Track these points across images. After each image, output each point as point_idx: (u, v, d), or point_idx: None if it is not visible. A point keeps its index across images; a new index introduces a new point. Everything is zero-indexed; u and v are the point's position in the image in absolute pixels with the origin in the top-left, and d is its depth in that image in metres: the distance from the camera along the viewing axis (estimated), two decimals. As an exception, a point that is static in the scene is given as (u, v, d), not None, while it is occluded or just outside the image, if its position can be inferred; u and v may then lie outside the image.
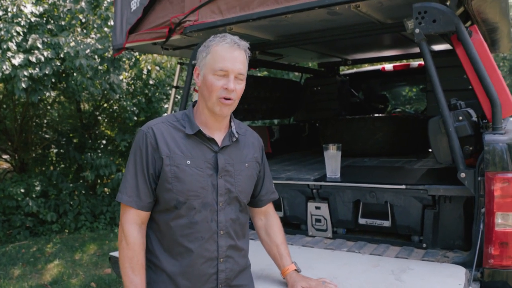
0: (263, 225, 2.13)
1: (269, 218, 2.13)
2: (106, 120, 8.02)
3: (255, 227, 2.16)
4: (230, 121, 1.87)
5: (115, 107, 7.69)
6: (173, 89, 4.46)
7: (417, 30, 2.29)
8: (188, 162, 1.73)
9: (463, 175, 2.23)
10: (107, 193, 7.34)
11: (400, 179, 2.71)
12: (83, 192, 7.17)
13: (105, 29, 6.03)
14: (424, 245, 2.53)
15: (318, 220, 2.88)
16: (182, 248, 1.74)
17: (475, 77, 2.26)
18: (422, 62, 5.06)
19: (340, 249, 2.62)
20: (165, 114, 1.89)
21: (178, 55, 3.98)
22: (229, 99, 1.72)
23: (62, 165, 7.70)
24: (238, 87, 1.73)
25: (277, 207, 3.05)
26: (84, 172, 6.97)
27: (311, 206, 2.89)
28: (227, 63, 1.69)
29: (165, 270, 1.74)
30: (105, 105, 7.78)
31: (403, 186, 2.55)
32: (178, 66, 4.36)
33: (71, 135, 7.64)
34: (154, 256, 1.77)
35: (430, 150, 4.10)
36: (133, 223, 1.74)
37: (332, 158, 2.89)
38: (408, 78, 5.62)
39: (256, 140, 1.99)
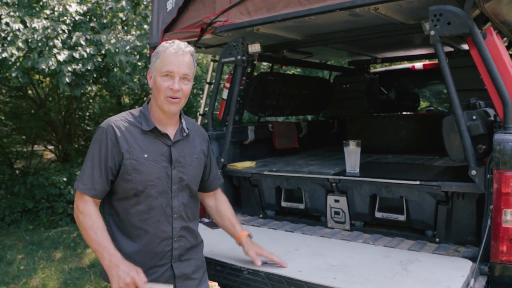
0: (214, 204, 2.39)
1: (218, 198, 2.41)
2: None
3: (208, 208, 2.41)
4: (180, 118, 2.08)
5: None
6: (207, 85, 4.67)
7: (432, 32, 2.38)
8: (146, 155, 1.94)
9: (473, 172, 2.31)
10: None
11: (416, 175, 2.81)
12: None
13: (145, 26, 6.29)
14: (437, 239, 2.62)
15: (337, 213, 3.01)
16: (140, 231, 1.96)
17: (488, 78, 2.33)
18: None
19: (355, 241, 2.74)
20: (125, 111, 2.11)
21: (211, 53, 4.16)
22: (175, 98, 1.93)
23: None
24: (184, 87, 1.95)
25: (299, 199, 3.22)
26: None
27: (330, 199, 3.02)
28: (172, 66, 1.92)
29: (123, 250, 1.92)
30: (145, 98, 8.09)
31: (417, 182, 2.64)
32: (212, 63, 4.56)
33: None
34: (113, 240, 1.93)
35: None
36: (87, 204, 1.91)
37: (352, 153, 3.01)
38: (438, 77, 5.61)
39: (202, 134, 2.22)
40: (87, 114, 8.46)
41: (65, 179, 6.87)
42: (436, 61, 5.29)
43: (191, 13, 3.43)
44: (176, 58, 1.93)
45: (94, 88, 6.25)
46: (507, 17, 2.71)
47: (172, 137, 2.03)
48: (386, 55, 4.99)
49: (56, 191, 6.95)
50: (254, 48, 3.30)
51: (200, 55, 6.81)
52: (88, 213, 1.88)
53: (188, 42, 3.52)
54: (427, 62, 5.41)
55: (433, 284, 1.98)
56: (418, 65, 5.28)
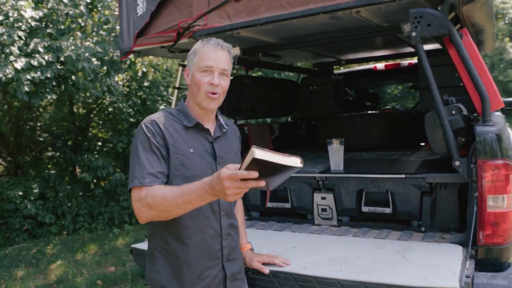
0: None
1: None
2: (100, 122, 8.14)
3: None
4: (216, 116, 2.10)
5: (110, 109, 7.81)
6: (175, 90, 4.64)
7: (413, 34, 2.52)
8: (192, 150, 1.93)
9: (457, 163, 2.47)
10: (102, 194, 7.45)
11: (399, 169, 2.96)
12: (81, 193, 7.28)
13: (103, 33, 6.16)
14: (423, 228, 2.78)
15: (324, 210, 3.11)
16: (190, 230, 1.91)
17: (466, 75, 2.51)
18: (412, 61, 5.33)
19: (346, 235, 2.85)
20: (162, 110, 2.09)
21: (183, 58, 4.16)
22: (215, 93, 1.94)
23: (57, 168, 7.81)
24: (223, 83, 1.97)
25: (284, 199, 3.29)
26: (81, 174, 7.10)
27: (317, 196, 3.12)
28: (211, 61, 1.93)
29: (176, 253, 1.91)
30: (98, 108, 7.90)
31: (403, 175, 2.79)
32: (180, 68, 4.54)
33: (66, 137, 7.74)
34: (164, 243, 1.93)
35: (422, 144, 4.39)
36: (150, 188, 1.77)
37: (336, 151, 3.12)
38: (399, 76, 5.90)
39: (236, 132, 2.24)
40: (39, 124, 8.13)
41: (20, 193, 6.57)
42: (396, 62, 5.57)
43: (165, 18, 3.41)
44: (215, 53, 1.94)
45: (54, 96, 6.04)
46: (477, 19, 2.92)
47: (212, 133, 2.03)
48: (349, 57, 5.18)
49: (11, 206, 6.63)
50: (234, 51, 3.34)
51: (160, 60, 6.75)
52: (151, 189, 1.75)
53: (163, 47, 3.58)
54: (388, 63, 5.66)
55: (434, 268, 2.11)
56: (380, 65, 5.51)
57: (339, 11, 2.67)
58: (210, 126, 2.05)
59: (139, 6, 3.56)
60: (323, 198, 3.10)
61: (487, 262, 2.36)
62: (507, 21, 25.64)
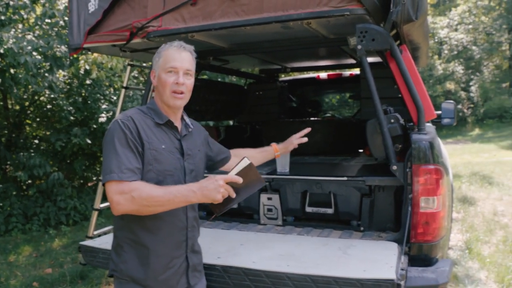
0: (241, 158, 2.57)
1: (235, 154, 2.64)
2: (37, 119, 7.84)
3: None
4: (182, 116, 2.23)
5: (48, 106, 7.54)
6: (123, 89, 4.60)
7: (359, 47, 2.72)
8: (163, 146, 2.04)
9: (394, 167, 2.70)
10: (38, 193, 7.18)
11: (341, 172, 3.16)
12: (14, 193, 6.97)
13: (46, 27, 5.97)
14: (362, 228, 2.99)
15: (269, 210, 3.25)
16: (159, 222, 2.02)
17: (404, 87, 2.75)
18: (353, 72, 5.63)
19: (290, 234, 3.00)
20: (131, 108, 2.18)
21: (136, 58, 4.16)
22: (181, 92, 2.07)
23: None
24: (187, 82, 2.10)
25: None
26: (15, 172, 6.79)
27: (263, 197, 3.25)
28: (175, 62, 2.06)
29: (145, 244, 2.01)
30: (35, 104, 7.61)
31: (345, 178, 2.99)
32: (128, 67, 4.52)
33: (-1, 133, 7.39)
34: (133, 234, 2.02)
35: (360, 150, 4.66)
36: (131, 183, 1.88)
37: (283, 155, 3.26)
38: (340, 86, 6.20)
39: (199, 128, 2.38)
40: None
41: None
42: (337, 72, 5.85)
43: (118, 16, 3.41)
44: (179, 54, 2.06)
45: (-9, 90, 5.77)
46: (414, 37, 3.20)
47: (179, 132, 2.14)
48: (295, 65, 5.39)
49: None
50: (188, 54, 3.40)
51: (105, 58, 6.63)
52: (138, 184, 1.87)
53: (114, 45, 3.58)
54: (331, 72, 5.92)
55: (373, 262, 2.31)
56: (323, 75, 5.77)
57: (291, 22, 2.82)
58: (178, 124, 2.16)
59: (90, 2, 3.53)
60: (269, 199, 3.24)
61: (418, 258, 2.59)
62: (436, 40, 27.35)
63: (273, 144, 2.73)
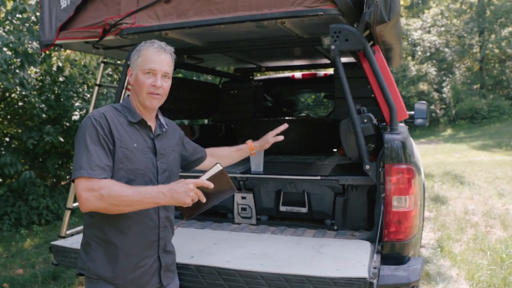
0: (214, 159, 2.58)
1: (211, 153, 2.64)
2: (8, 117, 7.65)
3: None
4: (157, 115, 2.21)
5: (20, 104, 7.37)
6: (96, 87, 4.53)
7: (332, 47, 2.74)
8: (135, 145, 2.02)
9: (367, 167, 2.72)
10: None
11: (315, 171, 3.18)
12: (-16, 192, 6.80)
13: (16, 22, 5.83)
14: (335, 227, 3.01)
15: (244, 209, 3.24)
16: (130, 221, 1.99)
17: (377, 88, 2.78)
18: (327, 72, 5.67)
19: (264, 233, 3.00)
20: (107, 105, 2.15)
21: (109, 55, 4.09)
22: (157, 94, 2.06)
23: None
24: (165, 85, 2.09)
25: (206, 198, 3.37)
26: (-15, 170, 6.62)
27: (237, 196, 3.25)
28: (154, 64, 2.04)
29: (115, 243, 1.98)
30: (6, 101, 7.42)
31: (318, 177, 3.01)
32: (102, 64, 4.45)
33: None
34: (102, 233, 1.99)
35: (334, 150, 4.69)
36: (101, 180, 1.86)
37: (257, 154, 3.25)
38: (314, 86, 6.23)
39: (174, 128, 2.36)
40: None
41: None
42: (312, 72, 5.88)
43: (90, 13, 3.36)
44: (158, 56, 2.04)
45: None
46: (387, 38, 3.23)
47: (153, 131, 2.12)
48: (269, 64, 5.39)
49: None
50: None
51: (78, 56, 6.51)
52: (107, 183, 1.84)
53: (87, 42, 3.52)
54: (305, 72, 5.95)
55: (346, 261, 2.33)
56: (298, 74, 5.79)
57: (265, 21, 2.82)
58: (152, 124, 2.13)
59: (63, -2, 3.47)
60: (243, 198, 3.24)
61: (391, 256, 2.62)
62: (409, 41, 27.84)
63: (249, 142, 2.71)
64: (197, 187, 1.84)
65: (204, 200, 1.87)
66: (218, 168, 1.93)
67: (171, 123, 2.35)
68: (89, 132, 1.92)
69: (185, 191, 1.80)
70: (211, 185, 1.86)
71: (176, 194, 1.81)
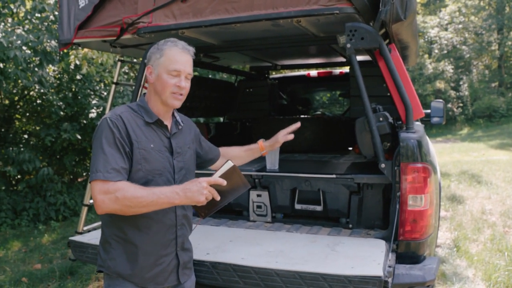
0: (228, 157, 2.55)
1: (224, 153, 2.63)
2: (27, 114, 7.78)
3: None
4: (173, 113, 2.22)
5: (38, 101, 7.49)
6: (113, 85, 4.58)
7: (348, 45, 2.74)
8: (152, 145, 2.04)
9: (383, 165, 2.72)
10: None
11: (330, 170, 3.18)
12: (3, 188, 6.93)
13: (35, 21, 5.92)
14: (350, 225, 3.01)
15: (259, 207, 3.26)
16: (149, 220, 2.02)
17: (393, 86, 2.77)
18: (343, 71, 5.66)
19: (279, 231, 3.02)
20: (123, 105, 2.17)
21: (126, 53, 4.14)
22: (180, 94, 2.08)
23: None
24: (187, 85, 2.12)
25: (221, 196, 3.40)
26: (5, 167, 6.75)
27: (253, 194, 3.27)
28: (180, 65, 2.06)
29: (134, 242, 2.01)
30: (25, 99, 7.55)
31: (334, 176, 3.01)
32: (119, 63, 4.50)
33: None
34: (121, 232, 2.02)
35: (349, 148, 4.69)
36: (116, 183, 1.88)
37: (272, 152, 3.27)
38: (330, 84, 6.23)
39: (190, 125, 2.38)
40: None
41: None
42: (327, 70, 5.87)
43: (108, 12, 3.41)
44: (183, 57, 2.06)
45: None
46: (403, 36, 3.21)
47: (169, 130, 2.13)
48: (285, 63, 5.40)
49: None
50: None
51: (95, 54, 6.58)
52: (122, 185, 1.86)
53: (104, 41, 3.57)
54: (321, 70, 5.94)
55: (361, 259, 2.33)
56: (313, 72, 5.79)
57: (281, 19, 2.83)
58: (168, 122, 2.15)
59: (80, -3, 3.52)
60: (258, 196, 3.25)
61: (406, 255, 2.62)
62: (426, 39, 27.54)
63: (260, 142, 2.70)
64: (211, 185, 1.85)
65: (218, 197, 1.89)
66: (229, 164, 1.94)
67: (186, 119, 2.37)
68: (105, 134, 1.94)
69: (199, 189, 1.81)
70: (224, 182, 1.87)
71: (190, 193, 1.82)
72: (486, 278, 4.22)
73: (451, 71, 26.87)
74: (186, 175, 2.17)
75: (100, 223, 3.62)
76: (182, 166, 2.16)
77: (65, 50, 6.42)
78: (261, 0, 2.76)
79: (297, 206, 3.19)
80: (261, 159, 3.53)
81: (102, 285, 2.37)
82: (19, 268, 4.97)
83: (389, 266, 2.30)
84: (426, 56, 27.50)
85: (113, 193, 1.84)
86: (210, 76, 8.50)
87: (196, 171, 2.38)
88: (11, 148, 6.78)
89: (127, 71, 8.56)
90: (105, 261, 2.06)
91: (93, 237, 2.90)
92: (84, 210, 3.63)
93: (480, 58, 27.87)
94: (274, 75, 6.45)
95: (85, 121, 7.32)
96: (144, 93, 2.18)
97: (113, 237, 2.04)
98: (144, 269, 2.02)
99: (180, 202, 1.86)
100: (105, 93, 7.70)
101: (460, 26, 27.65)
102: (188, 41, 3.49)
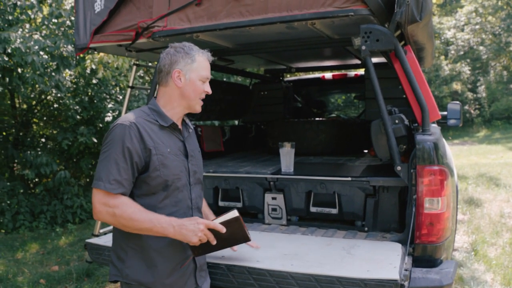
0: None
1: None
2: (44, 118, 7.89)
3: None
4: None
5: (55, 105, 7.60)
6: (128, 89, 4.63)
7: (363, 47, 2.73)
8: (168, 150, 2.03)
9: (399, 168, 2.70)
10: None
11: (346, 172, 3.16)
12: (22, 191, 7.03)
13: (52, 26, 6.01)
14: (366, 228, 2.99)
15: (274, 209, 3.26)
16: None
17: (409, 88, 2.74)
18: (358, 73, 5.63)
19: (294, 233, 3.01)
20: (135, 110, 2.16)
21: (141, 57, 4.18)
22: (203, 99, 2.14)
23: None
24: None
25: (236, 199, 3.41)
26: (23, 170, 6.85)
27: (268, 197, 3.26)
28: (208, 72, 2.16)
29: (153, 246, 1.99)
30: (42, 103, 7.66)
31: (349, 178, 2.99)
32: (134, 67, 4.54)
33: (7, 131, 7.45)
34: (139, 239, 1.98)
35: (365, 151, 4.65)
36: (118, 197, 1.88)
37: (287, 154, 3.28)
38: (345, 86, 6.20)
39: (194, 130, 2.36)
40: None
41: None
42: (342, 73, 5.84)
43: (124, 16, 3.44)
44: (208, 64, 2.16)
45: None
46: (419, 38, 3.19)
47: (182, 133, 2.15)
48: (299, 65, 5.40)
49: None
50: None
51: (111, 58, 6.67)
52: (122, 203, 1.88)
53: (120, 45, 3.60)
54: (336, 73, 5.92)
55: (377, 262, 2.31)
56: (328, 75, 5.77)
57: (296, 22, 2.83)
58: (180, 126, 2.16)
59: (96, 2, 3.56)
60: (273, 198, 3.25)
61: (422, 259, 2.58)
62: (442, 40, 27.26)
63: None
64: (209, 229, 1.88)
65: (214, 242, 1.91)
66: (234, 214, 1.95)
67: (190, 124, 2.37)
68: (114, 141, 1.92)
69: (194, 230, 1.86)
70: (223, 230, 1.90)
71: (185, 231, 1.86)
72: (505, 282, 4.15)
73: (468, 72, 26.51)
74: (198, 179, 2.19)
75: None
76: (196, 170, 2.17)
77: (81, 55, 6.51)
78: (275, 3, 2.76)
79: (312, 209, 3.17)
80: (276, 161, 3.54)
81: (118, 287, 2.38)
82: (37, 270, 5.03)
83: (406, 270, 2.27)
84: (443, 57, 27.18)
85: (112, 208, 1.86)
86: (225, 79, 8.53)
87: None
88: (29, 152, 6.89)
89: (142, 75, 8.64)
90: (122, 270, 2.02)
91: (109, 240, 2.90)
92: (101, 212, 3.65)
93: (498, 59, 27.44)
94: (289, 77, 6.45)
95: (101, 125, 7.40)
96: (155, 97, 2.16)
97: (129, 244, 2.01)
98: (164, 274, 2.01)
99: (173, 236, 1.89)
100: (121, 97, 7.78)
101: (477, 26, 27.29)
102: (203, 44, 3.55)
